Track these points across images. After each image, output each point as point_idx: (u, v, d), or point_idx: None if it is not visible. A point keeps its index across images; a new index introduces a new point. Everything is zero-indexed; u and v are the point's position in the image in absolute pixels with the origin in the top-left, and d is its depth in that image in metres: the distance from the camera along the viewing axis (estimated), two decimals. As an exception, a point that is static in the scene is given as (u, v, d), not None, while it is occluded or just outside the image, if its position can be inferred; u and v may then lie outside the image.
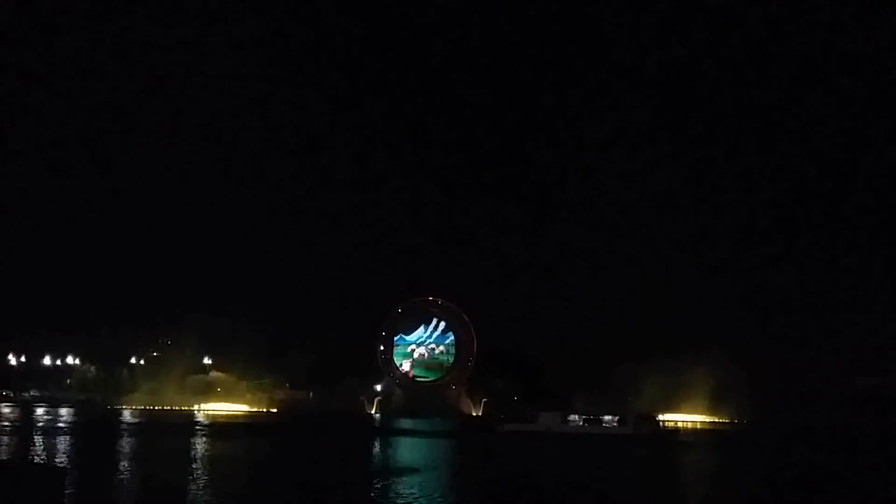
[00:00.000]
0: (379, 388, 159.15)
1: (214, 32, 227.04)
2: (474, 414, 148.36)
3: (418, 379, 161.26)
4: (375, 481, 42.27)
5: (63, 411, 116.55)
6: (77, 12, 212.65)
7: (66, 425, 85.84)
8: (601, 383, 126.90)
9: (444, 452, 67.90)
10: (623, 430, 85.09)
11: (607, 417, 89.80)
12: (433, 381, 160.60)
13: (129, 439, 69.24)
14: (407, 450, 68.80)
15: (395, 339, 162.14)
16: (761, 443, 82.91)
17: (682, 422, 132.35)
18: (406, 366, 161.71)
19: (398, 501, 34.82)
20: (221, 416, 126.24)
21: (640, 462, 59.42)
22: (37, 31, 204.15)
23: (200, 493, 36.02)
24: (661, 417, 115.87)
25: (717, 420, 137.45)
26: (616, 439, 78.79)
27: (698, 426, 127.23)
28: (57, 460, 46.89)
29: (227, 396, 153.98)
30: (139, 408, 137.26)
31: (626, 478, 47.92)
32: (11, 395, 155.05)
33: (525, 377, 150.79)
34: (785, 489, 42.94)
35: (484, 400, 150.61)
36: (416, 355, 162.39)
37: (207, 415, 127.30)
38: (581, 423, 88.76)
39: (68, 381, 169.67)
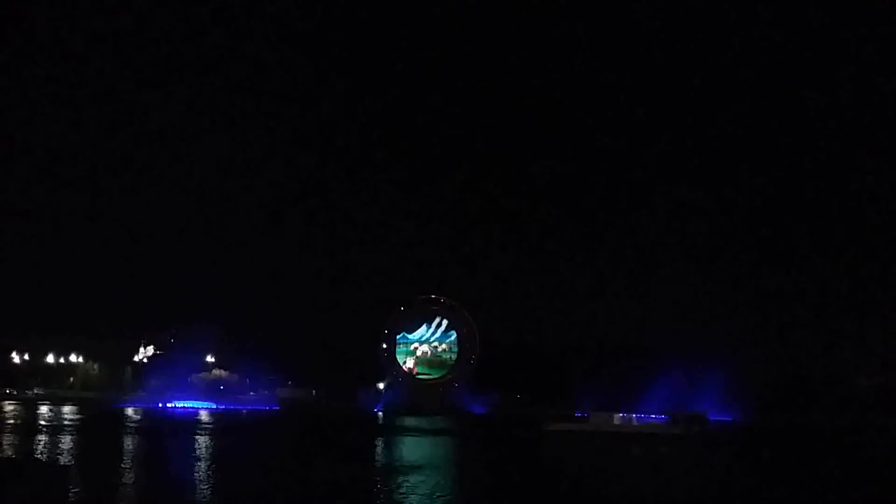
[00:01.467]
0: (382, 385, 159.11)
1: (215, 34, 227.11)
2: (477, 413, 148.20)
3: (421, 376, 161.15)
4: (378, 479, 42.21)
5: (66, 409, 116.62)
6: (78, 12, 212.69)
7: (70, 423, 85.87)
8: (607, 381, 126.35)
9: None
10: (674, 430, 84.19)
11: (658, 417, 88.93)
12: (436, 378, 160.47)
13: (132, 437, 69.29)
14: (410, 447, 68.74)
15: (398, 337, 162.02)
16: (771, 443, 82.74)
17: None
18: (410, 363, 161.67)
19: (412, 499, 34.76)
20: (225, 413, 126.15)
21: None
22: (36, 33, 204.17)
23: (204, 491, 35.93)
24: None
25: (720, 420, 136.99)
26: (668, 439, 77.96)
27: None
28: (60, 458, 46.88)
29: (231, 394, 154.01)
30: (142, 406, 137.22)
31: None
32: (15, 392, 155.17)
33: (530, 375, 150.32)
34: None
35: (487, 398, 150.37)
36: (419, 353, 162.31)
37: (210, 413, 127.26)
38: (633, 423, 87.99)
39: (71, 378, 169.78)
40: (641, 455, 62.50)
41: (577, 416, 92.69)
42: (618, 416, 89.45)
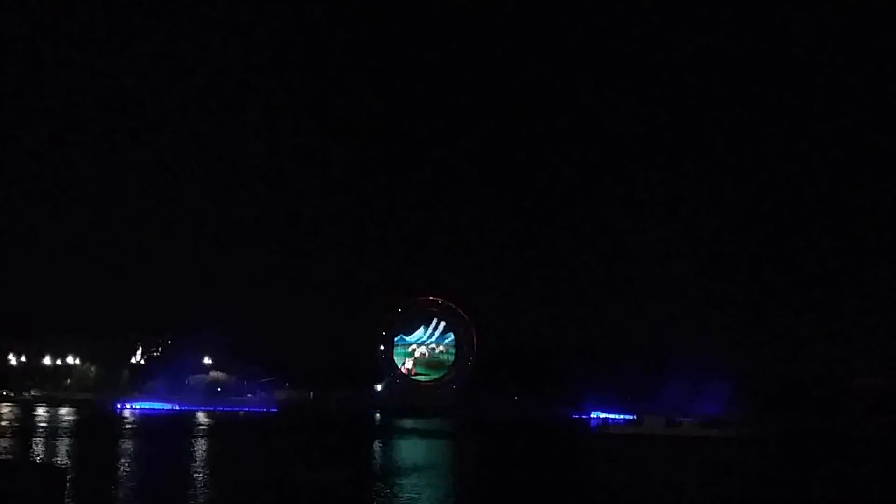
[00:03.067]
0: (379, 387, 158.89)
1: (212, 30, 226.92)
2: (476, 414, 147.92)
3: (419, 377, 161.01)
4: (377, 482, 42.03)
5: (63, 411, 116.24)
6: (79, 13, 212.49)
7: (67, 425, 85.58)
8: (607, 382, 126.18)
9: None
10: (727, 433, 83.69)
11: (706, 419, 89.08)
12: (434, 379, 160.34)
13: (129, 439, 69.03)
14: (408, 450, 68.50)
15: (396, 339, 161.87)
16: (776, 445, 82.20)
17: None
18: (408, 363, 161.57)
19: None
20: (222, 415, 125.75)
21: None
22: (36, 34, 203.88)
23: (201, 494, 35.72)
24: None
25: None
26: (737, 443, 76.59)
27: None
28: (57, 460, 46.68)
29: (228, 396, 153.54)
30: (139, 407, 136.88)
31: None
32: (12, 394, 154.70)
33: (528, 376, 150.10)
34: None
35: (485, 399, 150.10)
36: (417, 354, 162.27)
37: (207, 415, 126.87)
38: (686, 426, 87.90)
39: (68, 380, 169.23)
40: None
41: (630, 419, 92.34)
42: (670, 420, 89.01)
